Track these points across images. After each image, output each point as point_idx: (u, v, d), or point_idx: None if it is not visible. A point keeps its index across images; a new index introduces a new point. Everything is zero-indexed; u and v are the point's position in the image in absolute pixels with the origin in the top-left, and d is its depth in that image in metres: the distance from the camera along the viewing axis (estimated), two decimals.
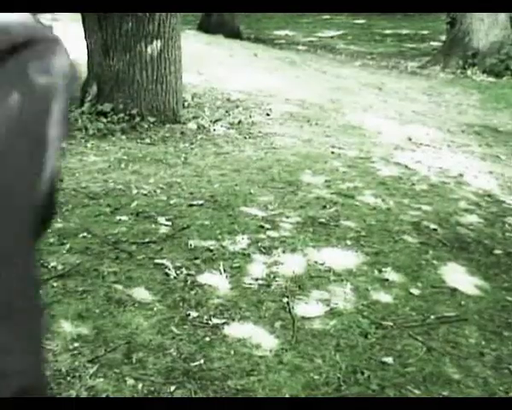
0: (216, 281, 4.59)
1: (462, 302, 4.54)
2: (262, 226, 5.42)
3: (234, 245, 5.10)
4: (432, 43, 16.00)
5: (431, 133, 8.23)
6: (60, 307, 4.17)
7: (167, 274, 4.63)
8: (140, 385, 3.53)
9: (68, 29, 11.23)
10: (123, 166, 6.68)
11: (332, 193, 6.18)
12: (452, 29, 13.42)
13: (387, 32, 17.37)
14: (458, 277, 4.87)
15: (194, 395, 3.47)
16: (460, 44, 13.10)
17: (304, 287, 4.56)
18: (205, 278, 4.61)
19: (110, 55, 7.91)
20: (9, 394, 1.12)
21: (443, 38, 14.42)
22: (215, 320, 4.13)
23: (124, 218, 5.45)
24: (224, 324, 4.11)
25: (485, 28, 13.03)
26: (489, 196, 6.51)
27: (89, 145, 7.25)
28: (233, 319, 4.17)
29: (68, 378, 3.54)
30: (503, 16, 13.37)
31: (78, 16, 8.32)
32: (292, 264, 4.84)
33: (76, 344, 3.83)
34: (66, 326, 3.98)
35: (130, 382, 3.55)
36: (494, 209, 6.20)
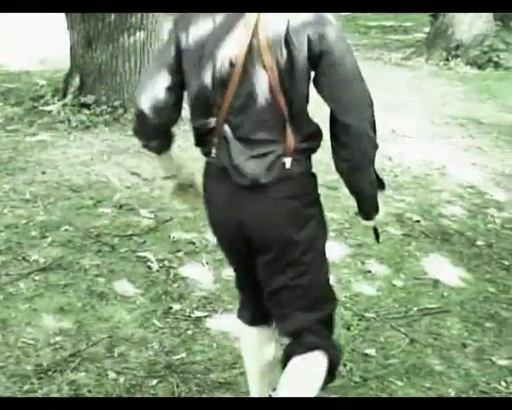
0: (199, 274, 4.58)
1: (445, 294, 4.55)
2: None
3: None
4: (416, 34, 15.99)
5: (414, 125, 8.23)
6: (41, 301, 4.16)
7: (150, 267, 4.62)
8: (122, 379, 3.52)
9: (51, 21, 11.18)
10: (105, 158, 6.66)
11: None
12: (436, 21, 13.41)
13: (372, 23, 17.35)
14: (441, 268, 4.88)
15: (176, 389, 3.46)
16: (443, 36, 13.09)
17: None
18: (187, 270, 4.61)
19: (93, 47, 7.87)
20: None
21: (426, 29, 14.42)
22: (198, 313, 4.13)
23: (106, 210, 5.43)
24: (206, 316, 4.11)
25: (468, 20, 13.02)
26: (472, 187, 6.52)
27: (71, 137, 7.22)
28: (216, 312, 4.16)
29: (50, 373, 3.53)
30: None
31: None
32: None
33: (58, 338, 3.82)
34: (48, 320, 3.97)
35: (112, 375, 3.54)
36: (477, 201, 6.21)
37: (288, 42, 2.38)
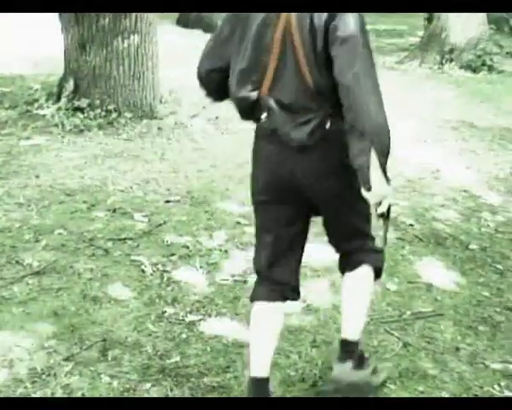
0: (192, 277, 4.58)
1: (438, 297, 4.56)
2: (239, 222, 5.42)
3: (210, 241, 5.09)
4: (409, 38, 16.02)
5: (408, 128, 8.24)
6: (35, 305, 4.15)
7: (143, 271, 4.62)
8: (115, 383, 3.51)
9: (44, 23, 11.17)
10: (99, 162, 6.65)
11: None
12: (430, 25, 13.43)
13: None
14: (434, 272, 4.89)
15: (170, 393, 3.46)
16: (437, 40, 13.11)
17: None
18: (181, 274, 4.61)
19: (87, 51, 7.87)
20: None
21: (420, 33, 14.44)
22: (191, 317, 4.13)
23: (100, 214, 5.43)
24: (200, 320, 4.11)
25: (462, 24, 13.04)
26: (465, 191, 6.53)
27: (65, 141, 7.21)
28: (209, 316, 4.16)
29: (43, 377, 3.52)
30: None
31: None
32: None
33: (51, 342, 3.81)
34: (42, 324, 3.97)
35: (106, 379, 3.53)
36: (470, 204, 6.22)
37: (311, 28, 2.85)
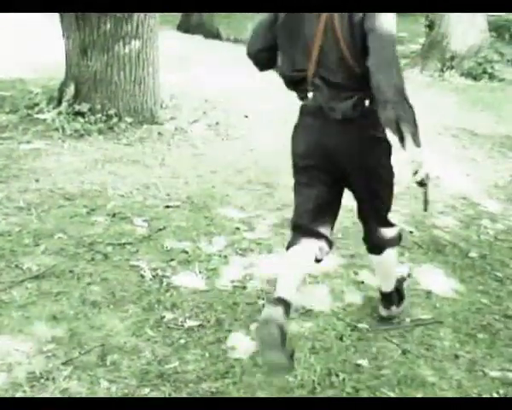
0: (191, 283, 4.58)
1: (437, 305, 4.56)
2: (238, 228, 5.42)
3: (210, 247, 5.09)
4: (410, 45, 16.05)
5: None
6: (34, 309, 4.15)
7: (143, 276, 4.62)
8: (114, 388, 3.51)
9: (46, 29, 11.19)
10: (99, 166, 6.65)
11: None
12: (431, 32, 13.45)
13: None
14: (434, 279, 4.89)
15: (168, 398, 3.46)
16: (438, 47, 13.14)
17: None
18: (180, 279, 4.61)
19: (88, 56, 7.87)
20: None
21: (421, 40, 14.47)
22: (190, 322, 4.13)
23: (100, 219, 5.43)
24: (199, 326, 4.10)
25: (463, 31, 13.07)
26: (465, 198, 6.54)
27: (65, 145, 7.21)
28: (208, 321, 4.16)
29: (42, 381, 3.52)
30: (481, 20, 13.42)
31: (55, 16, 8.26)
32: (268, 266, 4.83)
33: (50, 346, 3.81)
34: (41, 328, 3.96)
35: (105, 384, 3.53)
36: (470, 212, 6.23)
37: (350, 24, 3.36)
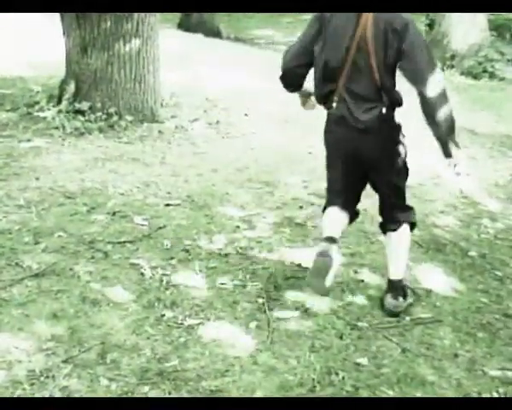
0: (192, 281, 4.58)
1: (437, 304, 4.56)
2: (238, 226, 5.43)
3: (210, 245, 5.09)
4: None
5: (409, 134, 8.23)
6: (34, 307, 4.15)
7: (143, 274, 4.62)
8: (114, 386, 3.51)
9: (46, 28, 11.19)
10: (100, 165, 6.65)
11: (309, 194, 6.20)
12: (431, 31, 13.46)
13: None
14: (434, 278, 4.90)
15: (168, 396, 3.46)
16: (439, 46, 13.14)
17: (279, 288, 4.56)
18: (180, 278, 4.61)
19: (88, 54, 7.87)
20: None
21: None
22: (190, 321, 4.13)
23: (100, 217, 5.43)
24: (199, 324, 4.11)
25: (463, 30, 13.08)
26: (465, 197, 6.54)
27: (66, 144, 7.21)
28: (208, 320, 4.16)
29: (42, 379, 3.52)
30: (481, 19, 13.43)
31: (56, 15, 8.26)
32: (268, 264, 4.84)
33: (50, 344, 3.81)
34: (41, 326, 3.96)
35: (104, 382, 3.53)
36: (470, 211, 6.23)
37: (385, 43, 3.89)
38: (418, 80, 3.96)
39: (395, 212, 4.41)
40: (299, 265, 4.85)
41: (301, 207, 5.87)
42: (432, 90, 3.96)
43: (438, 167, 7.18)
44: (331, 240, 4.21)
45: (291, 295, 4.47)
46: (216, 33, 16.81)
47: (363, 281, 4.75)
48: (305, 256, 4.90)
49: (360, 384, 3.67)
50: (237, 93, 9.74)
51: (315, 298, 4.43)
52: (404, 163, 4.36)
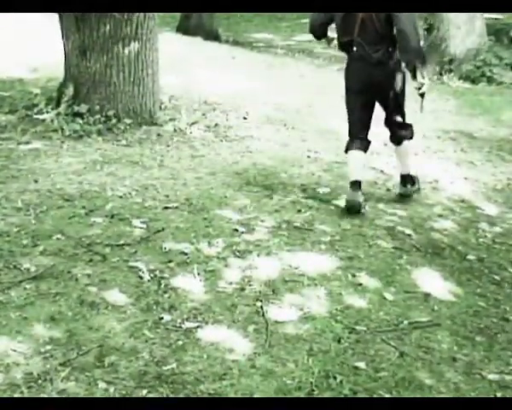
0: (190, 284, 4.58)
1: (435, 307, 4.57)
2: (237, 230, 5.42)
3: (208, 248, 5.09)
4: None
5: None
6: (32, 310, 4.15)
7: (141, 277, 4.61)
8: (112, 389, 3.51)
9: (46, 29, 11.18)
10: (98, 167, 6.65)
11: (307, 197, 6.20)
12: (429, 35, 13.46)
13: None
14: (432, 282, 4.90)
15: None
16: (437, 50, 13.14)
17: (277, 291, 4.56)
18: (179, 281, 4.61)
19: (87, 57, 7.87)
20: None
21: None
22: (188, 324, 4.13)
23: (98, 220, 5.42)
24: (197, 327, 4.11)
25: (461, 35, 13.08)
26: (463, 201, 6.55)
27: (64, 146, 7.21)
28: (206, 323, 4.16)
29: (40, 382, 3.52)
30: (479, 23, 13.43)
31: (55, 16, 8.26)
32: (266, 268, 4.84)
33: (48, 347, 3.81)
34: (39, 329, 3.96)
35: (102, 385, 3.53)
36: (468, 215, 6.24)
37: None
38: (398, 22, 5.62)
39: (399, 131, 6.19)
40: (297, 268, 4.85)
41: (299, 211, 5.87)
42: (406, 25, 5.59)
43: (436, 172, 7.21)
44: (357, 184, 5.90)
45: (289, 299, 4.48)
46: (215, 36, 16.80)
47: (361, 284, 4.76)
48: (304, 259, 4.91)
49: (358, 388, 3.67)
50: (236, 96, 9.74)
51: (313, 302, 4.44)
52: (403, 85, 5.96)
